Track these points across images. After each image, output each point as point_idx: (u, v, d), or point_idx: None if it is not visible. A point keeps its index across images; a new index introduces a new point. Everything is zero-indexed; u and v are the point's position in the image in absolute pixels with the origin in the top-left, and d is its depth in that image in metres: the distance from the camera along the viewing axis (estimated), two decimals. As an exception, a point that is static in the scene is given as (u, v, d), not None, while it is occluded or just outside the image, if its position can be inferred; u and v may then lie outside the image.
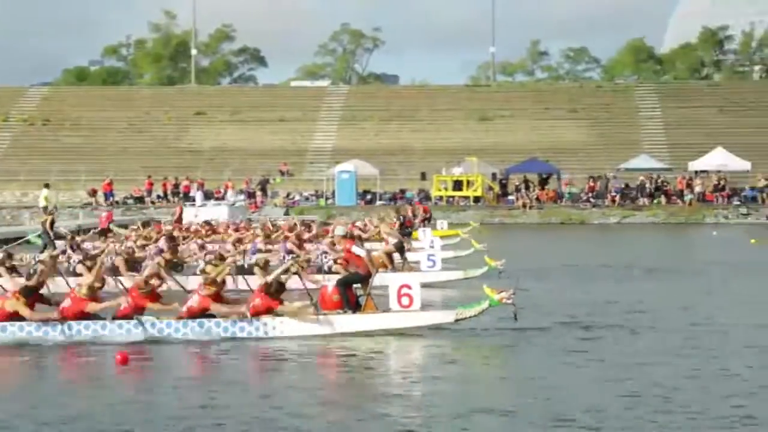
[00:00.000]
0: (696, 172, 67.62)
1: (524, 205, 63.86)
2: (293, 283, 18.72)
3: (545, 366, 14.36)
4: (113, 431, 11.07)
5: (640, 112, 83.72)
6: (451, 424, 11.12)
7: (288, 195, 69.57)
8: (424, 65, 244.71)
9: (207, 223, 38.66)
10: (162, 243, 26.36)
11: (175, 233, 31.45)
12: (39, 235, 34.72)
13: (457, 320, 17.20)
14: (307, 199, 69.05)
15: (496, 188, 66.33)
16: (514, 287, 16.80)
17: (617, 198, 64.28)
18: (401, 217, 39.61)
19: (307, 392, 13.02)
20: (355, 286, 18.30)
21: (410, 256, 28.26)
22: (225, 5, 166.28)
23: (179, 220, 46.32)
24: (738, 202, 63.11)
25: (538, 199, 65.02)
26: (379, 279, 18.76)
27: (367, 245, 29.17)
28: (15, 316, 16.99)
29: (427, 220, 47.97)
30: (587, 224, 61.77)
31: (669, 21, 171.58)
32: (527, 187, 66.40)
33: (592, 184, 65.53)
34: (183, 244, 28.58)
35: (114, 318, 17.29)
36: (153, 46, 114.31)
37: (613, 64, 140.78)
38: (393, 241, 27.18)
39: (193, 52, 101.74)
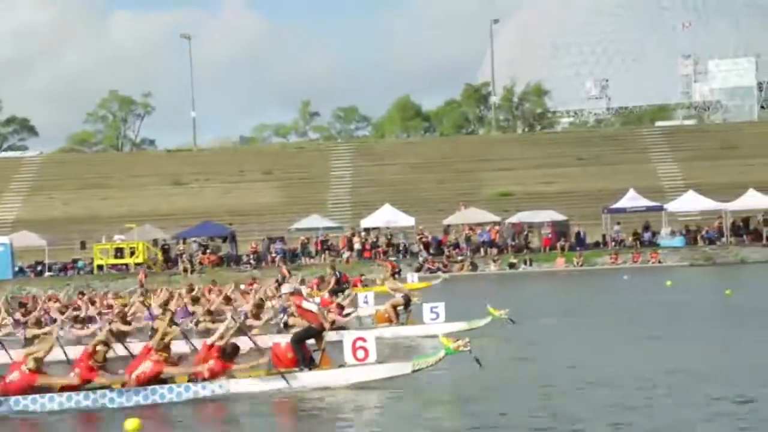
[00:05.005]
0: (366, 229, 68.99)
1: (185, 270, 63.74)
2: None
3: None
4: None
5: (332, 171, 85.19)
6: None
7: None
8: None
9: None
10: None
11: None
12: None
13: (414, 371, 16.99)
14: (-28, 273, 67.03)
15: (160, 254, 66.06)
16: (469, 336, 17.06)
17: (278, 259, 64.89)
18: (337, 273, 39.51)
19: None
20: (309, 341, 18.05)
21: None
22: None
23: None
24: (393, 258, 64.46)
25: (201, 263, 65.05)
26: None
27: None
28: None
29: (397, 274, 48.65)
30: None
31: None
32: (204, 252, 66.64)
33: (254, 246, 66.06)
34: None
35: (61, 389, 16.78)
36: None
37: (382, 122, 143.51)
38: (400, 294, 27.27)
39: None
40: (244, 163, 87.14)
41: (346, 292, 36.17)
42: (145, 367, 17.20)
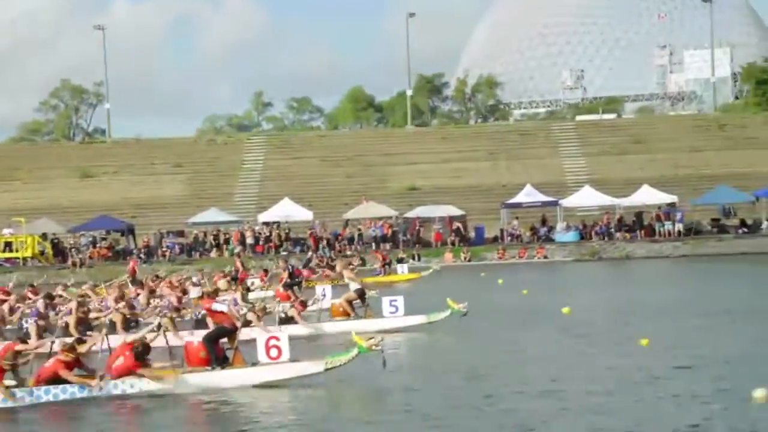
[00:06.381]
0: (265, 223, 68.52)
1: (74, 264, 63.19)
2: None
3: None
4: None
5: (244, 165, 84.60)
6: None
7: None
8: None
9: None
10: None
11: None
12: None
13: (326, 369, 17.25)
14: None
15: (49, 248, 65.40)
16: (382, 335, 17.64)
17: (168, 253, 64.50)
18: (290, 267, 39.82)
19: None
20: (222, 340, 18.10)
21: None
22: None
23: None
24: (285, 252, 64.10)
25: (90, 257, 64.54)
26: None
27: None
28: None
29: (387, 265, 51.52)
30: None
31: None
32: (94, 246, 66.14)
33: (146, 240, 65.58)
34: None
35: None
36: None
37: (336, 113, 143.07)
38: (354, 287, 26.87)
39: None
40: (155, 155, 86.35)
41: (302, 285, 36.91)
42: (47, 365, 17.25)
